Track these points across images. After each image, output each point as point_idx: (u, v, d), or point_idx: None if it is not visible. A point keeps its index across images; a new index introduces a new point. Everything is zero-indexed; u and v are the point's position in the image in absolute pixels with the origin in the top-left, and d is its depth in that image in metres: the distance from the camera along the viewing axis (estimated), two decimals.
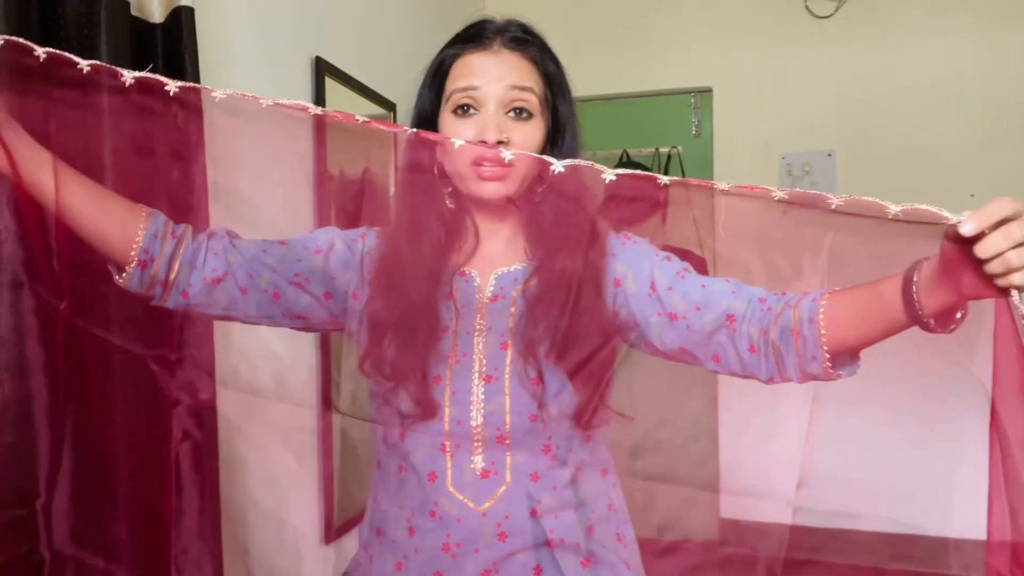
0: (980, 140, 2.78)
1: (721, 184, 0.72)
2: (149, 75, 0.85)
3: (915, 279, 0.72)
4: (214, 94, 0.85)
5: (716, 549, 1.05)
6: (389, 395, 0.92)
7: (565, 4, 3.18)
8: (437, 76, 0.95)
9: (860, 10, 2.91)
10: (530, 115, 0.92)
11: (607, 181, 0.74)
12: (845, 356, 0.81)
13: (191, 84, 0.88)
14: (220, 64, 1.58)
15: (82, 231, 0.87)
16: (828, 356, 0.79)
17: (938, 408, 0.89)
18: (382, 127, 0.89)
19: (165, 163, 1.07)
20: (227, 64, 1.62)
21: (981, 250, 0.63)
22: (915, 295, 0.72)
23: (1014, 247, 0.61)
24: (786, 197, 0.70)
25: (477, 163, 0.88)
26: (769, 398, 0.98)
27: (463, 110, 0.91)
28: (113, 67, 0.85)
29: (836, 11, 2.93)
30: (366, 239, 0.99)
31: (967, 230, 0.62)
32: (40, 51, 0.83)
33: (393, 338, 0.93)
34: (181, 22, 1.35)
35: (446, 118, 0.93)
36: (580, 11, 3.18)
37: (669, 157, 3.24)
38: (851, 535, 0.98)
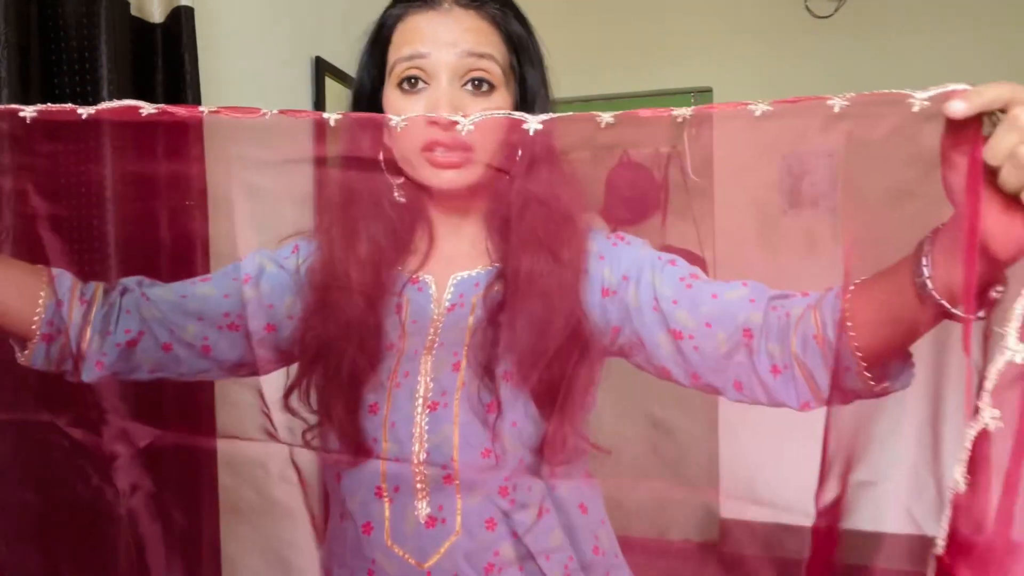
0: None
1: (682, 110, 0.61)
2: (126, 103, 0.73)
3: (925, 250, 0.57)
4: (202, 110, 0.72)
5: (716, 549, 1.04)
6: (320, 431, 0.79)
7: (564, 4, 3.18)
8: (377, 44, 0.80)
9: (860, 10, 2.91)
10: (491, 87, 0.76)
11: (603, 125, 0.61)
12: (891, 362, 0.64)
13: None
14: (220, 64, 1.58)
15: None
16: (865, 365, 0.63)
17: None
18: (301, 115, 0.73)
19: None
20: (227, 64, 1.61)
21: (989, 154, 0.49)
22: (926, 277, 0.56)
23: None
24: (769, 108, 0.59)
25: (428, 147, 0.73)
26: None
27: (410, 84, 0.76)
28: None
29: (836, 11, 2.93)
30: (300, 252, 0.83)
31: (957, 109, 0.50)
32: (28, 111, 0.73)
33: (325, 364, 0.78)
34: (181, 22, 1.35)
35: (390, 94, 0.77)
36: (579, 11, 3.18)
37: (669, 157, 3.24)
38: (852, 535, 0.98)
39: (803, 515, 0.66)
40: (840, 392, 0.66)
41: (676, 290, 0.74)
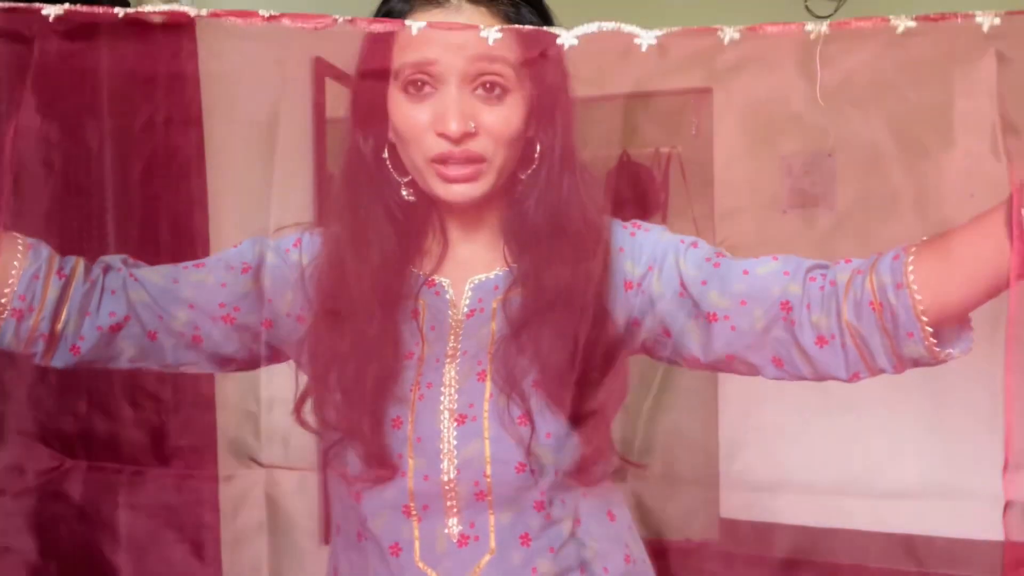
0: None
1: (815, 25, 0.55)
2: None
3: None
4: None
5: (716, 549, 1.04)
6: (337, 448, 0.75)
7: (564, 4, 3.18)
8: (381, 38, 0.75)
9: (860, 10, 2.91)
10: (504, 91, 0.71)
11: (726, 42, 0.57)
12: (952, 327, 0.63)
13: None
14: (220, 64, 1.57)
15: None
16: (930, 330, 0.61)
17: None
18: (379, 23, 0.68)
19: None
20: (227, 64, 1.61)
21: None
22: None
23: None
24: (913, 25, 0.52)
25: (439, 160, 0.70)
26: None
27: (416, 88, 0.71)
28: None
29: (836, 11, 2.93)
30: (303, 246, 0.79)
31: None
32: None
33: (339, 375, 0.74)
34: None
35: (395, 97, 0.72)
36: (577, 10, 3.18)
37: (669, 157, 3.26)
38: (850, 535, 0.98)
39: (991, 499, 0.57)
40: (899, 360, 0.64)
41: (703, 271, 0.72)
